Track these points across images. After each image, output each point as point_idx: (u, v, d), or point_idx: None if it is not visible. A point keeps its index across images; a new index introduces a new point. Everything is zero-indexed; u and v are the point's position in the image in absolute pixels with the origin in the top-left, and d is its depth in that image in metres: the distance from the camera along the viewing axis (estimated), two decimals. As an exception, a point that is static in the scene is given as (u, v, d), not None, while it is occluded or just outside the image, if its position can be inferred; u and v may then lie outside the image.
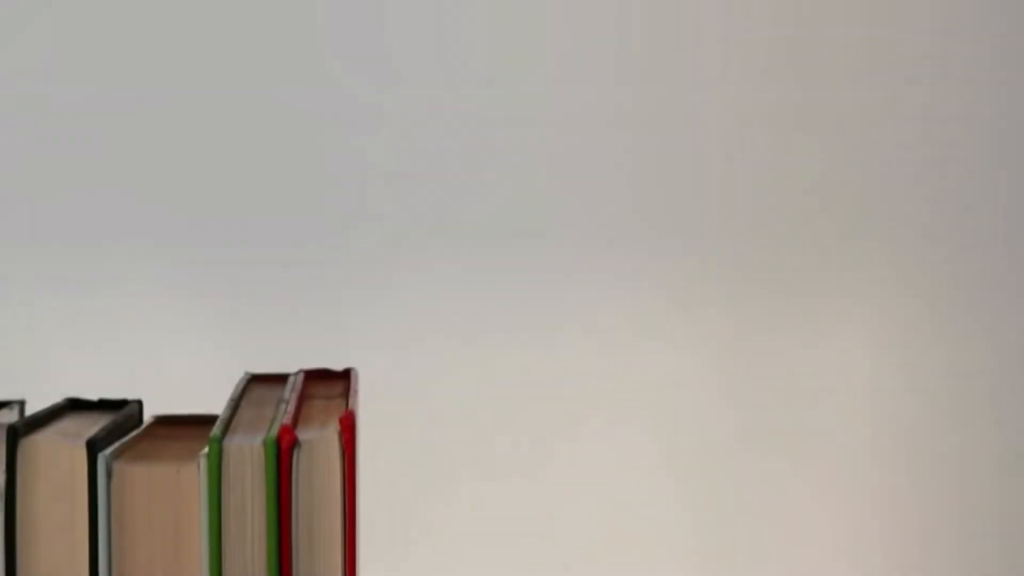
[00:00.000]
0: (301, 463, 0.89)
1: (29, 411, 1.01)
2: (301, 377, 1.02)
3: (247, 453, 0.88)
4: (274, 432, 0.88)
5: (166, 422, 1.01)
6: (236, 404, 0.97)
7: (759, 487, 1.51)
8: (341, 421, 0.88)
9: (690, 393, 1.51)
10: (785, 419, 1.52)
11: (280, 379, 1.03)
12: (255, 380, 1.05)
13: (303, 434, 0.89)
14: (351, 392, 0.95)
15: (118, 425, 0.96)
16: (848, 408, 1.52)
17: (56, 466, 0.90)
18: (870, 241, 1.53)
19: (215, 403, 0.99)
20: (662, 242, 1.52)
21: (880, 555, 1.53)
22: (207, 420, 0.96)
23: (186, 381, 1.37)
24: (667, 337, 1.52)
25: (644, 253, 1.52)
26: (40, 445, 0.90)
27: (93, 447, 0.89)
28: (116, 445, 0.92)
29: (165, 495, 0.89)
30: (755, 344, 1.52)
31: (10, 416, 1.01)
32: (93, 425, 0.95)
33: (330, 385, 1.01)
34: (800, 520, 1.52)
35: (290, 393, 0.97)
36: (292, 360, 1.13)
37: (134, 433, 0.96)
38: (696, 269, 1.52)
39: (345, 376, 1.03)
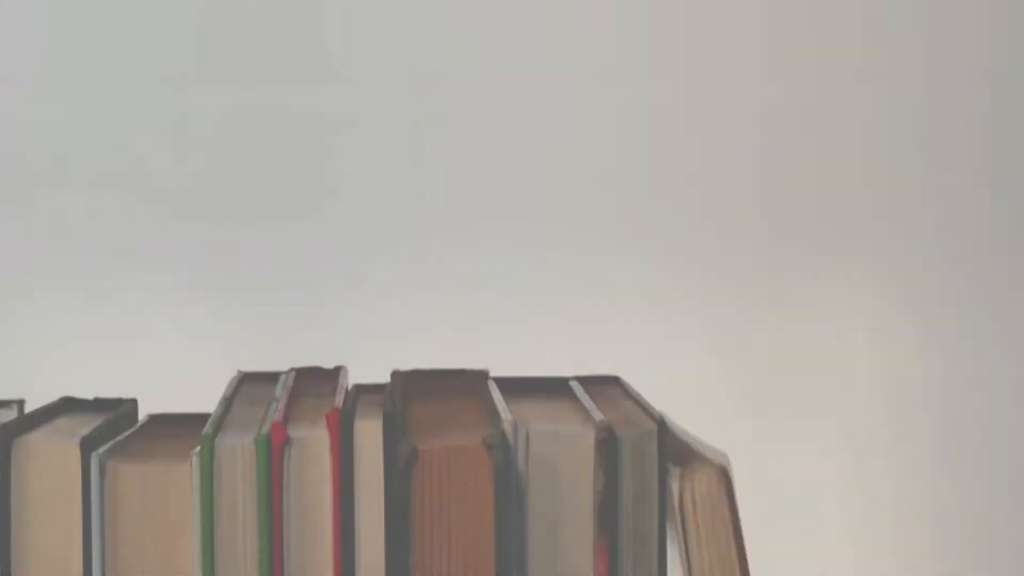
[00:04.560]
0: (292, 460, 0.89)
1: (28, 410, 1.02)
2: (292, 375, 1.03)
3: (239, 451, 0.89)
4: (265, 430, 0.89)
5: (160, 421, 1.01)
6: (228, 402, 0.98)
7: (765, 471, 1.51)
8: (327, 418, 0.88)
9: (694, 382, 1.52)
10: (787, 406, 1.52)
11: (272, 377, 1.04)
12: (247, 378, 1.05)
13: (294, 431, 0.90)
14: (339, 389, 0.96)
15: (112, 424, 0.97)
16: (853, 400, 1.53)
17: (50, 465, 0.90)
18: (878, 235, 1.53)
19: (211, 402, 1.00)
20: (664, 233, 1.52)
21: (890, 542, 1.53)
22: (201, 419, 0.96)
23: (182, 379, 1.38)
24: (670, 325, 1.52)
25: (648, 243, 1.52)
26: (34, 444, 0.91)
27: (87, 446, 0.90)
28: (110, 444, 0.92)
29: (158, 493, 0.90)
30: (759, 332, 1.52)
31: (8, 415, 1.01)
32: (88, 424, 0.96)
33: (321, 383, 1.02)
34: (808, 508, 1.52)
35: (281, 391, 0.97)
36: (285, 358, 1.14)
37: (128, 432, 0.97)
38: (699, 259, 1.52)
39: (336, 374, 1.04)
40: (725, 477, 0.92)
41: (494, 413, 0.92)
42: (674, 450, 0.96)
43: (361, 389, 1.01)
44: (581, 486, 0.90)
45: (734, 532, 0.91)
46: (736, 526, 0.91)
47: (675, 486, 0.91)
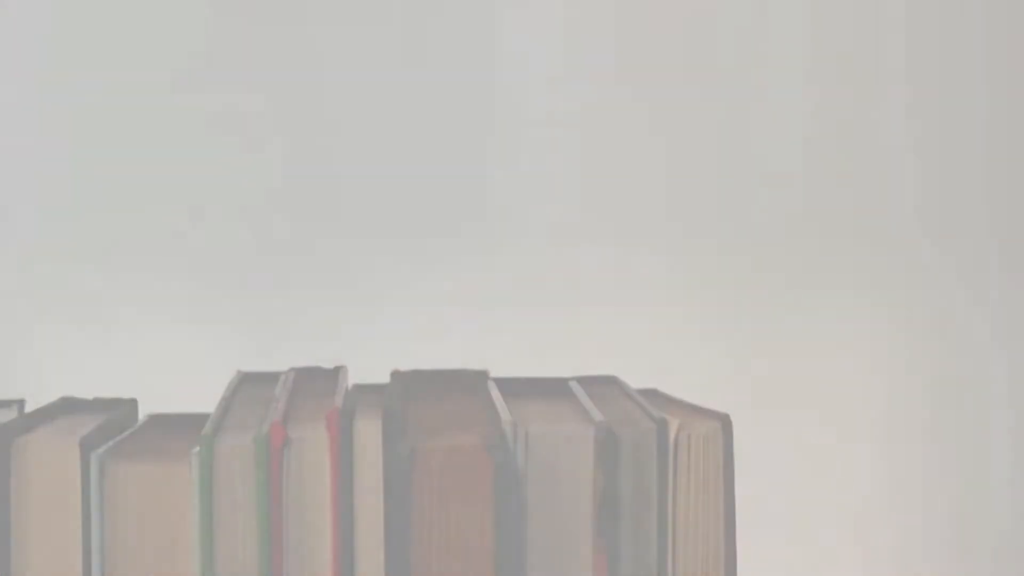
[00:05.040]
0: (292, 460, 0.89)
1: (28, 410, 1.02)
2: (292, 375, 1.03)
3: (238, 451, 0.89)
4: (265, 430, 0.89)
5: (160, 421, 1.02)
6: (228, 403, 0.98)
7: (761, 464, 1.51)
8: (327, 418, 0.89)
9: (694, 381, 1.52)
10: (788, 405, 1.52)
11: (272, 377, 1.04)
12: (247, 378, 1.05)
13: (294, 432, 0.90)
14: (339, 389, 0.96)
15: (112, 424, 0.97)
16: (854, 399, 1.53)
17: (50, 465, 0.90)
18: (876, 238, 1.53)
19: (211, 402, 1.00)
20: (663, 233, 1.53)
21: (889, 540, 1.53)
22: (201, 419, 0.97)
23: (182, 379, 1.38)
24: (670, 323, 1.52)
25: (649, 242, 1.52)
26: (34, 444, 0.91)
27: (86, 446, 0.90)
28: (109, 444, 0.93)
29: (158, 493, 0.90)
30: (759, 332, 1.52)
31: (8, 415, 1.02)
32: (88, 424, 0.96)
33: (321, 383, 1.02)
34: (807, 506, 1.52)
35: (281, 391, 0.97)
36: (285, 358, 1.15)
37: (127, 432, 0.97)
38: (700, 258, 1.52)
39: (336, 374, 1.04)
40: (727, 425, 0.91)
41: (494, 413, 0.93)
42: (674, 407, 0.96)
43: (361, 389, 1.02)
44: (581, 486, 0.91)
45: (725, 483, 0.91)
46: (729, 478, 0.91)
47: (672, 428, 0.91)
